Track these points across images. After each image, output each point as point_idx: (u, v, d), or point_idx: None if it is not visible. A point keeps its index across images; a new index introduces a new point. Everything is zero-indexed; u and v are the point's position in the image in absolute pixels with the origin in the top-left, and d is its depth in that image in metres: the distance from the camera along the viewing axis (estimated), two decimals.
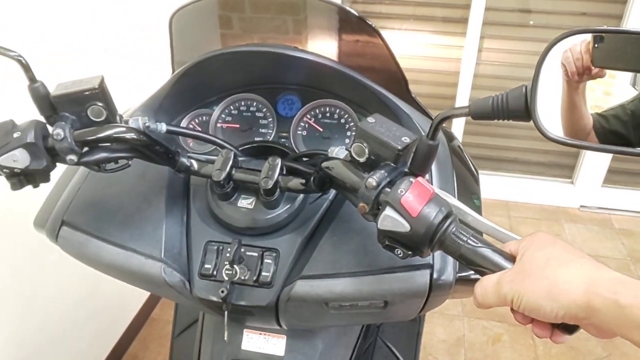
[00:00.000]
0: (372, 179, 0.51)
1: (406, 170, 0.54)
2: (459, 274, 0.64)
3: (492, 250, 0.48)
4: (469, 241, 0.48)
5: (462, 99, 2.49)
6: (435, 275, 0.62)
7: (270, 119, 0.85)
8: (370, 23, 0.81)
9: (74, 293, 1.49)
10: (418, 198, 0.48)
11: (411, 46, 2.54)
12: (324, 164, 0.60)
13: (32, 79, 0.59)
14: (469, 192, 0.80)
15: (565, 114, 0.66)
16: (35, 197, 0.70)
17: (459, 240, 0.48)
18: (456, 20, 2.41)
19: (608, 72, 0.78)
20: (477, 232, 0.60)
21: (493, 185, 2.61)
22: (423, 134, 0.72)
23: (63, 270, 1.37)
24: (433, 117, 0.87)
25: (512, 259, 0.47)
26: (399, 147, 0.52)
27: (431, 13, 2.44)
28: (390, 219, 0.49)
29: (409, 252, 0.50)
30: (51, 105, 0.59)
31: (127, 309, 1.85)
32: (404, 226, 0.48)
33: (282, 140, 0.84)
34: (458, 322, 1.95)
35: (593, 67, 0.67)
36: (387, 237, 0.50)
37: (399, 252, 0.51)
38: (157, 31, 1.68)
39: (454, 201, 0.58)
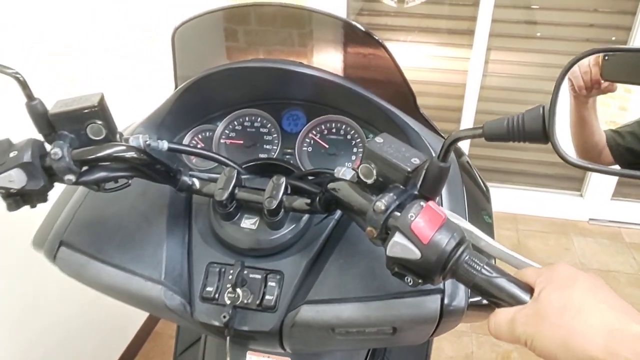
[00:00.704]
0: (381, 203, 0.49)
1: (416, 193, 0.52)
2: (471, 299, 0.61)
3: (507, 280, 0.45)
4: (483, 270, 0.45)
5: (469, 111, 2.47)
6: (446, 301, 0.60)
7: (275, 135, 0.83)
8: (377, 38, 0.79)
9: (76, 304, 1.47)
10: (429, 223, 0.46)
11: (417, 58, 2.53)
12: (330, 186, 0.57)
13: (29, 96, 0.57)
14: (479, 208, 0.78)
15: (575, 131, 0.63)
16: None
17: (472, 270, 0.45)
18: (462, 32, 2.39)
19: (624, 86, 0.75)
20: (490, 256, 0.58)
21: (500, 198, 2.57)
22: (433, 153, 0.70)
23: (65, 280, 1.34)
24: (443, 134, 0.86)
25: (529, 290, 0.44)
26: (409, 169, 0.50)
27: (437, 25, 2.43)
28: (400, 246, 0.46)
29: (420, 280, 0.48)
30: (49, 124, 0.58)
31: (131, 322, 1.83)
32: (414, 253, 0.46)
33: (287, 156, 0.82)
34: (466, 338, 1.91)
35: (602, 81, 0.65)
36: (396, 264, 0.48)
37: (409, 280, 0.48)
38: (157, 31, 1.68)
39: (466, 224, 0.56)
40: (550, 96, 0.46)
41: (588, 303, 0.39)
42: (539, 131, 0.44)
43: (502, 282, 0.45)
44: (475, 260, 0.46)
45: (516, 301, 0.44)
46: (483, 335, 1.91)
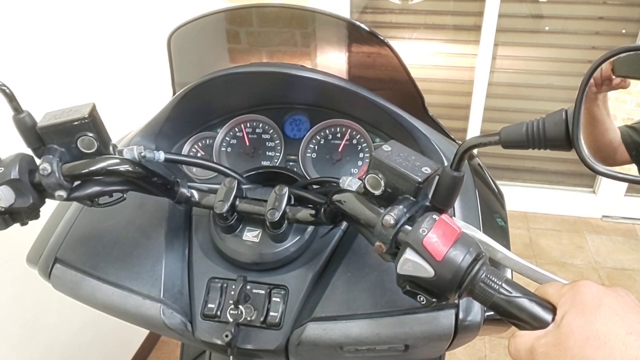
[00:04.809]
0: (390, 217, 0.45)
1: (427, 204, 0.48)
2: (487, 313, 0.58)
3: (528, 299, 0.41)
4: (502, 289, 0.42)
5: (477, 108, 2.42)
6: (461, 316, 0.56)
7: (277, 141, 0.80)
8: (382, 37, 0.75)
9: (79, 320, 1.45)
10: (443, 238, 0.42)
11: (423, 56, 2.49)
12: (335, 197, 0.54)
13: (17, 109, 0.55)
14: (492, 211, 0.74)
15: (586, 129, 0.59)
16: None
17: (490, 290, 0.41)
18: (468, 28, 2.35)
19: None
20: (506, 266, 0.54)
21: (511, 195, 2.49)
22: (444, 159, 0.66)
23: (65, 296, 1.32)
24: (453, 137, 0.82)
25: (551, 309, 0.41)
26: (419, 179, 0.46)
27: (442, 21, 2.39)
28: (411, 263, 0.43)
29: (433, 300, 0.44)
30: (38, 137, 0.55)
31: (136, 332, 1.80)
32: (427, 271, 0.42)
33: (290, 163, 0.79)
34: (479, 341, 1.87)
35: (614, 77, 0.61)
36: (407, 281, 0.45)
37: (421, 298, 0.45)
38: (157, 31, 1.65)
39: (481, 236, 0.52)
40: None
41: (613, 333, 0.36)
42: (561, 137, 0.41)
43: (523, 301, 0.41)
44: (493, 278, 0.42)
45: (538, 322, 0.40)
46: (496, 339, 1.87)
